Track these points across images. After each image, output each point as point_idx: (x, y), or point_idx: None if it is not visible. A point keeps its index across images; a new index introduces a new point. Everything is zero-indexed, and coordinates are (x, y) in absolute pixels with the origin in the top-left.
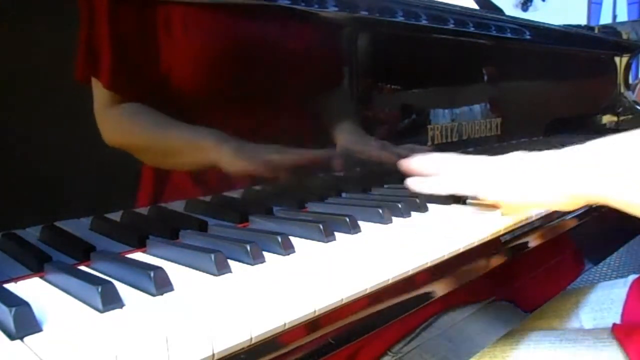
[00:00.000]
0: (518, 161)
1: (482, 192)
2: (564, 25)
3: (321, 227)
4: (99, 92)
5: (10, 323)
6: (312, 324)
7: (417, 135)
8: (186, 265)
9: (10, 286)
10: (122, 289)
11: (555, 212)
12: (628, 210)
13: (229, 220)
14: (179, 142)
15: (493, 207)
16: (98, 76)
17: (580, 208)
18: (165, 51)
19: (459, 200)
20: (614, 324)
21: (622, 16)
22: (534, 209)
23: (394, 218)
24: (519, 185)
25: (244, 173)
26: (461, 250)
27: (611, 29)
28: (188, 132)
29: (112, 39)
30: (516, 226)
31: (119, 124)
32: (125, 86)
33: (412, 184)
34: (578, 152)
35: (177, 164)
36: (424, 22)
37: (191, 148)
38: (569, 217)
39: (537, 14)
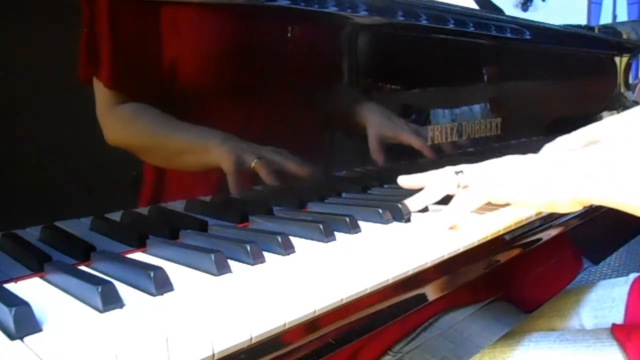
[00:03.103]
0: (524, 161)
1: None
2: (564, 25)
3: (321, 227)
4: (101, 92)
5: (10, 323)
6: (312, 324)
7: (417, 135)
8: (186, 265)
9: (10, 286)
10: (122, 289)
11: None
12: (629, 211)
13: (229, 220)
14: (181, 142)
15: (493, 207)
16: (99, 76)
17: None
18: (166, 50)
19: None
20: (614, 324)
21: (622, 16)
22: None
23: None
24: (530, 186)
25: (243, 173)
26: (461, 250)
27: (611, 29)
28: (190, 132)
29: (113, 38)
30: (516, 226)
31: (121, 124)
32: (127, 85)
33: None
34: (580, 158)
35: (179, 163)
36: (424, 22)
37: (193, 148)
38: (569, 217)
39: (537, 14)
